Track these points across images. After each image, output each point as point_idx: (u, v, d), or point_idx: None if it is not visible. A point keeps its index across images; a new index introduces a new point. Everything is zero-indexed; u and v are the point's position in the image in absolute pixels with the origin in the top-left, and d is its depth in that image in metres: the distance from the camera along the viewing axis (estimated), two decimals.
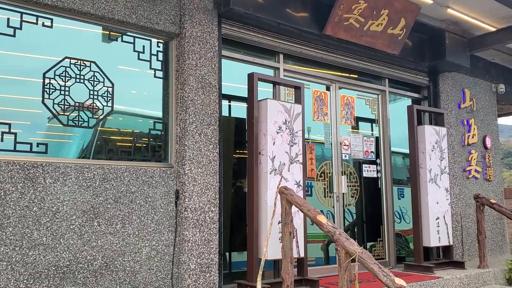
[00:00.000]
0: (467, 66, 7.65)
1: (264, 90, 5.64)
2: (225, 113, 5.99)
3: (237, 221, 6.06)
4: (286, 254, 4.51)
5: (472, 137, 8.38)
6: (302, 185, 5.38)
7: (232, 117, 6.39)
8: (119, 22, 4.73)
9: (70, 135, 4.56)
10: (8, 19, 4.19)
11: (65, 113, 4.41)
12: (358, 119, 7.13)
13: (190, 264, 4.71)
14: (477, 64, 8.63)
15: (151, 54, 5.00)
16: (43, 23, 4.37)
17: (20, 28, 4.25)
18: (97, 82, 4.61)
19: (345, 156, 6.79)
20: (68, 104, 4.42)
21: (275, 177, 5.11)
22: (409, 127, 6.94)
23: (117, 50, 4.87)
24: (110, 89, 4.68)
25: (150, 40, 5.01)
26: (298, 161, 5.39)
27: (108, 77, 4.67)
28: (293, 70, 6.30)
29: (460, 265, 6.78)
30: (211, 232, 4.89)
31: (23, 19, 4.26)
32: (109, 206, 4.41)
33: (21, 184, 3.97)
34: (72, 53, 4.49)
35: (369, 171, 7.13)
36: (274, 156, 5.16)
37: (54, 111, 4.34)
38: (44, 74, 4.31)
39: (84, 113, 4.52)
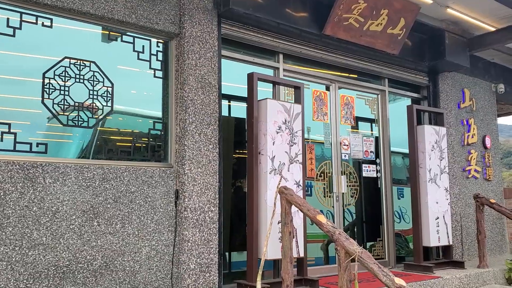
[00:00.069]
0: (466, 66, 7.66)
1: (264, 90, 5.64)
2: (224, 113, 5.99)
3: (237, 221, 6.06)
4: (286, 254, 4.51)
5: (472, 137, 8.38)
6: (301, 185, 5.38)
7: (232, 117, 6.39)
8: (118, 22, 4.73)
9: (70, 135, 4.56)
10: (8, 19, 4.19)
11: (64, 113, 4.41)
12: (357, 119, 7.13)
13: (190, 264, 4.71)
14: (477, 64, 8.63)
15: (150, 54, 5.00)
16: (42, 23, 4.37)
17: (20, 28, 4.25)
18: (97, 82, 4.61)
19: (345, 156, 6.79)
20: (67, 104, 4.42)
21: (274, 177, 5.11)
22: (409, 127, 6.94)
23: (116, 50, 4.87)
24: (109, 89, 4.68)
25: (150, 40, 5.01)
26: (298, 161, 5.39)
27: (108, 77, 4.68)
28: (292, 70, 6.30)
29: (459, 265, 6.78)
30: (211, 232, 4.89)
31: (22, 19, 4.26)
32: (108, 206, 4.41)
33: (20, 184, 3.97)
34: (71, 53, 4.49)
35: (368, 171, 7.13)
36: (274, 156, 5.16)
37: (53, 111, 4.34)
38: (43, 74, 4.31)
39: (84, 113, 4.52)
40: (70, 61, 4.47)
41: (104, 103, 4.65)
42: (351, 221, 7.03)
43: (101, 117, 4.64)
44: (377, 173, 7.23)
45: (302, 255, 5.25)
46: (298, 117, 5.47)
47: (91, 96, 4.57)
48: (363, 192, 7.09)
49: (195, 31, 5.08)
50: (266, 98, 5.28)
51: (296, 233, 5.05)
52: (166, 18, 5.01)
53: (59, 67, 4.41)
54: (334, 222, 6.44)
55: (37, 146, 4.20)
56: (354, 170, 6.97)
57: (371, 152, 7.17)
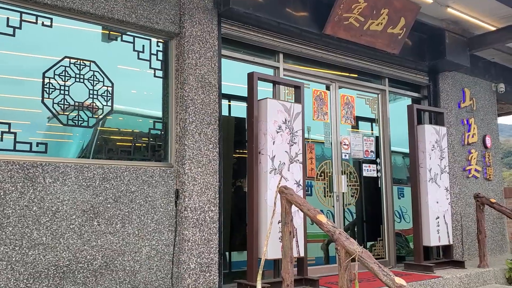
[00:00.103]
0: (467, 65, 7.65)
1: (264, 89, 5.64)
2: (225, 112, 5.99)
3: (237, 220, 6.06)
4: (286, 254, 4.50)
5: (472, 137, 8.38)
6: (302, 185, 5.38)
7: (232, 117, 6.39)
8: (118, 21, 4.73)
9: (70, 135, 4.55)
10: (8, 18, 4.19)
11: (64, 113, 4.41)
12: (358, 119, 7.13)
13: (190, 263, 4.71)
14: (477, 64, 8.62)
15: (150, 54, 5.00)
16: (42, 22, 4.37)
17: (20, 28, 4.25)
18: (97, 82, 4.61)
19: (345, 155, 6.79)
20: (67, 103, 4.42)
21: (275, 176, 5.10)
22: (409, 126, 6.94)
23: (116, 50, 4.86)
24: (109, 89, 4.68)
25: (150, 40, 5.01)
26: (298, 160, 5.39)
27: (108, 76, 4.67)
28: (293, 69, 6.29)
29: (460, 264, 6.78)
30: (211, 232, 4.89)
31: (22, 19, 4.26)
32: (109, 205, 4.41)
33: (20, 184, 3.97)
34: (71, 52, 4.49)
35: (369, 171, 7.13)
36: (274, 156, 5.16)
37: (53, 111, 4.34)
38: (43, 73, 4.31)
39: (84, 112, 4.52)
40: (70, 60, 4.47)
41: (104, 103, 4.64)
42: (352, 221, 7.03)
43: (101, 116, 4.64)
44: (377, 172, 7.23)
45: (302, 254, 5.25)
46: (298, 117, 5.47)
47: (91, 96, 4.57)
48: (363, 191, 7.09)
49: (195, 30, 5.08)
50: (266, 98, 5.28)
51: (296, 232, 5.05)
52: (166, 18, 5.00)
53: (59, 66, 4.40)
54: (334, 221, 6.44)
55: (37, 145, 4.20)
56: (354, 169, 6.97)
57: (371, 151, 7.17)
